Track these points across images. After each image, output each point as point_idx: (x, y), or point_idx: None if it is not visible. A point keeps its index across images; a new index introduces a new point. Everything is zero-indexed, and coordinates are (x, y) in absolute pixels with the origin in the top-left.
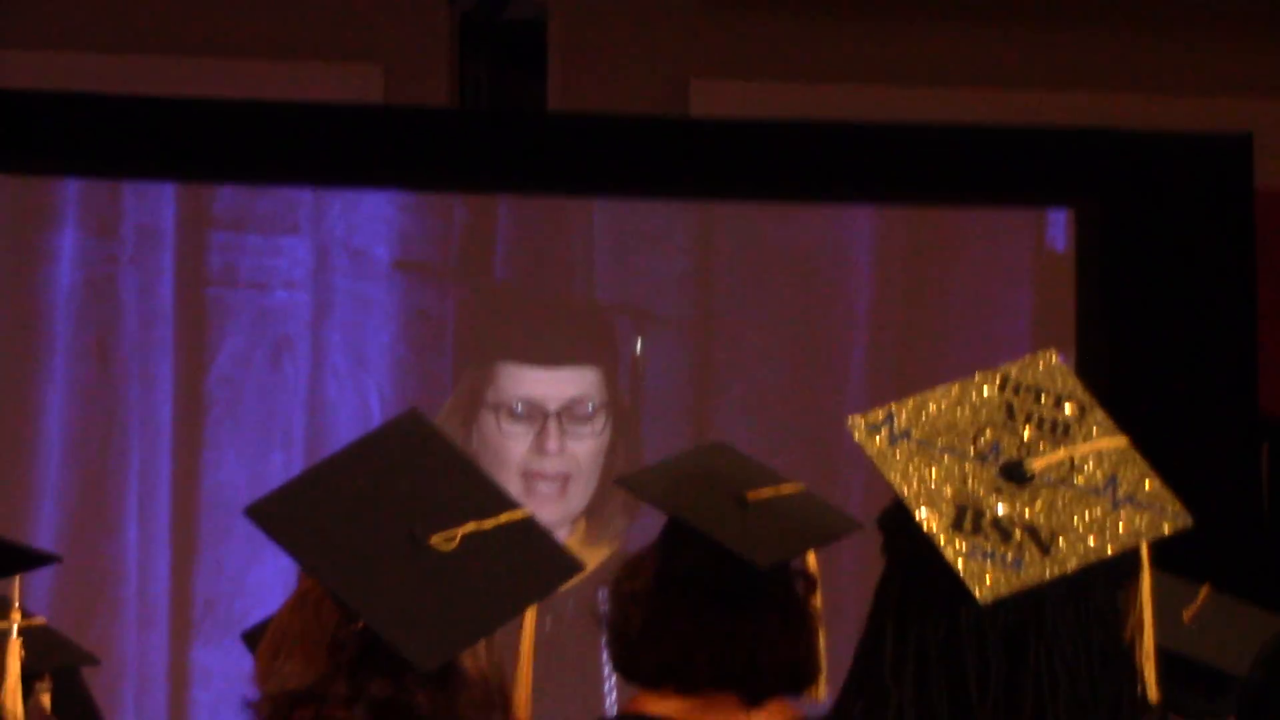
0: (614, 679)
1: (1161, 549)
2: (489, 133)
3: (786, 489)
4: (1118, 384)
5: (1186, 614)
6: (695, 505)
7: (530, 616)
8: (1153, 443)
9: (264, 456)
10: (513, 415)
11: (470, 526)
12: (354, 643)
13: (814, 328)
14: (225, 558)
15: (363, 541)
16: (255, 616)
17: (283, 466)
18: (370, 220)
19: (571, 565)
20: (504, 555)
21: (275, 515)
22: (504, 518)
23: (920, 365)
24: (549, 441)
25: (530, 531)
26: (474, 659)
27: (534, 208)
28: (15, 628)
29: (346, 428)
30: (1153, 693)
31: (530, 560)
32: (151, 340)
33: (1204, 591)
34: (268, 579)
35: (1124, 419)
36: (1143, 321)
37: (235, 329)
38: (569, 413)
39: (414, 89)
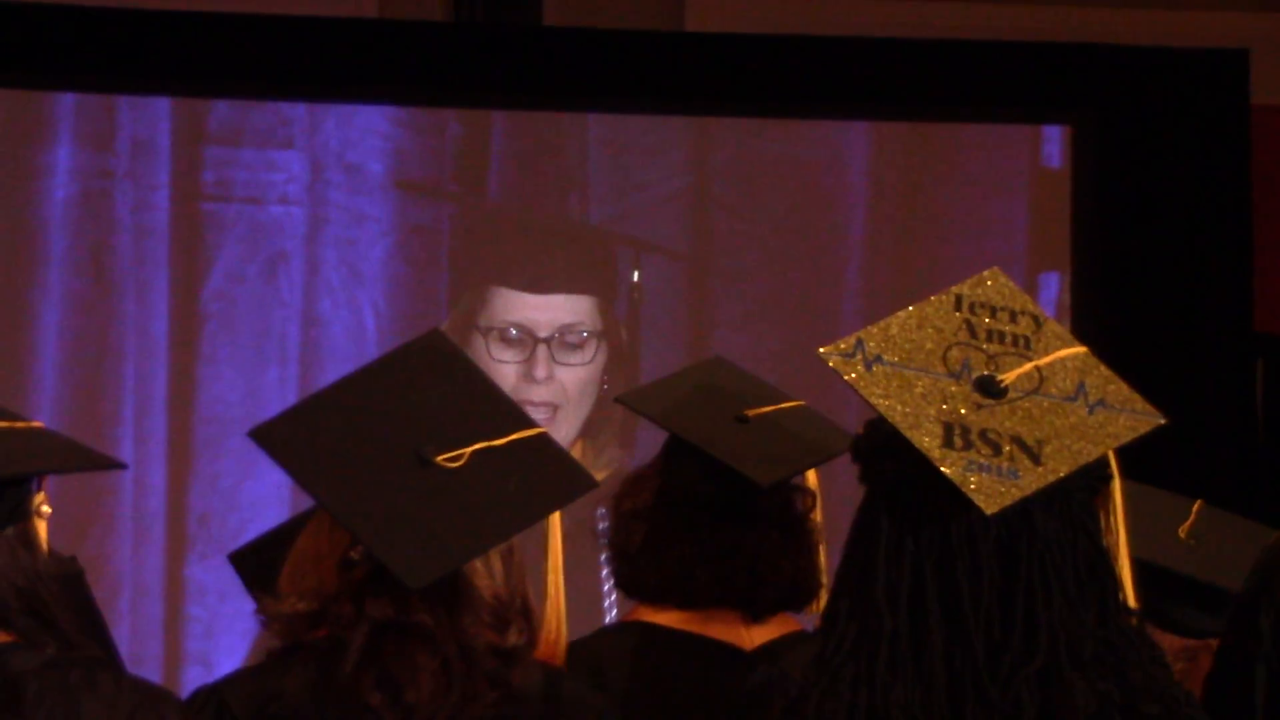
0: (614, 595)
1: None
2: (484, 47)
3: (787, 405)
4: (1112, 301)
5: (1181, 530)
6: (696, 422)
7: (555, 535)
8: (1148, 359)
9: (259, 372)
10: (503, 340)
11: (480, 444)
12: (362, 563)
13: (809, 244)
14: (220, 473)
15: (368, 462)
16: (250, 532)
17: (278, 382)
18: (365, 135)
19: (584, 481)
20: (514, 473)
21: (278, 438)
22: (516, 435)
23: (916, 282)
24: (537, 368)
25: (544, 448)
26: (489, 579)
27: (529, 123)
28: (44, 508)
29: (341, 343)
30: (1131, 598)
31: (541, 476)
32: (146, 255)
33: (1197, 507)
34: (262, 494)
35: (1119, 336)
36: (1138, 238)
37: (230, 244)
38: (559, 340)
39: (409, 3)
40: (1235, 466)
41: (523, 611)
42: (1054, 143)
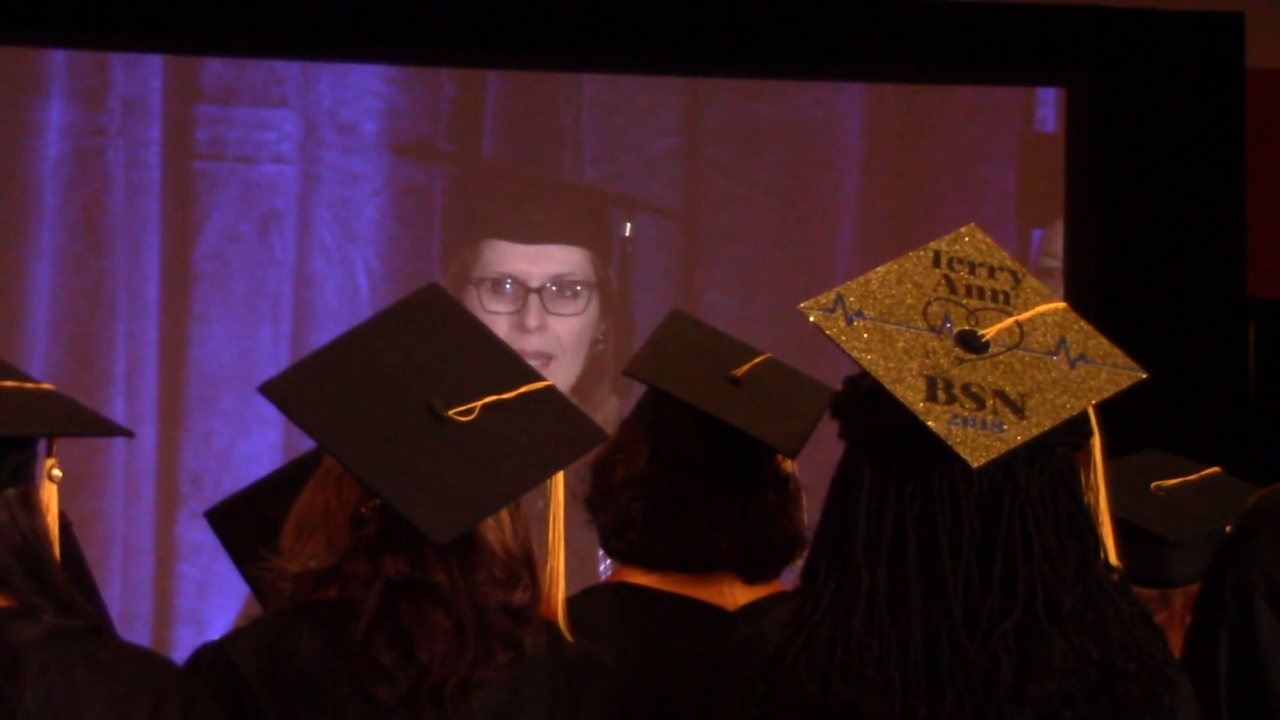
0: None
1: (1151, 426)
2: (478, 6)
3: (759, 360)
4: (1106, 263)
5: (1155, 484)
6: (701, 390)
7: (558, 487)
8: (1142, 323)
9: (251, 330)
10: (495, 291)
11: (490, 398)
12: (375, 519)
13: (803, 204)
14: (212, 432)
15: (380, 416)
16: None
17: (270, 340)
18: (358, 94)
19: (594, 433)
20: (525, 425)
21: (290, 393)
22: (524, 388)
23: (909, 243)
24: (529, 318)
25: (552, 401)
26: (499, 534)
27: (523, 83)
28: (55, 472)
29: (334, 302)
30: (1112, 555)
31: (552, 430)
32: (139, 213)
33: (1197, 469)
34: (253, 453)
35: (1113, 298)
36: (1132, 201)
37: (223, 202)
38: (552, 290)
39: None
40: (1227, 428)
41: (526, 565)
42: (1049, 106)
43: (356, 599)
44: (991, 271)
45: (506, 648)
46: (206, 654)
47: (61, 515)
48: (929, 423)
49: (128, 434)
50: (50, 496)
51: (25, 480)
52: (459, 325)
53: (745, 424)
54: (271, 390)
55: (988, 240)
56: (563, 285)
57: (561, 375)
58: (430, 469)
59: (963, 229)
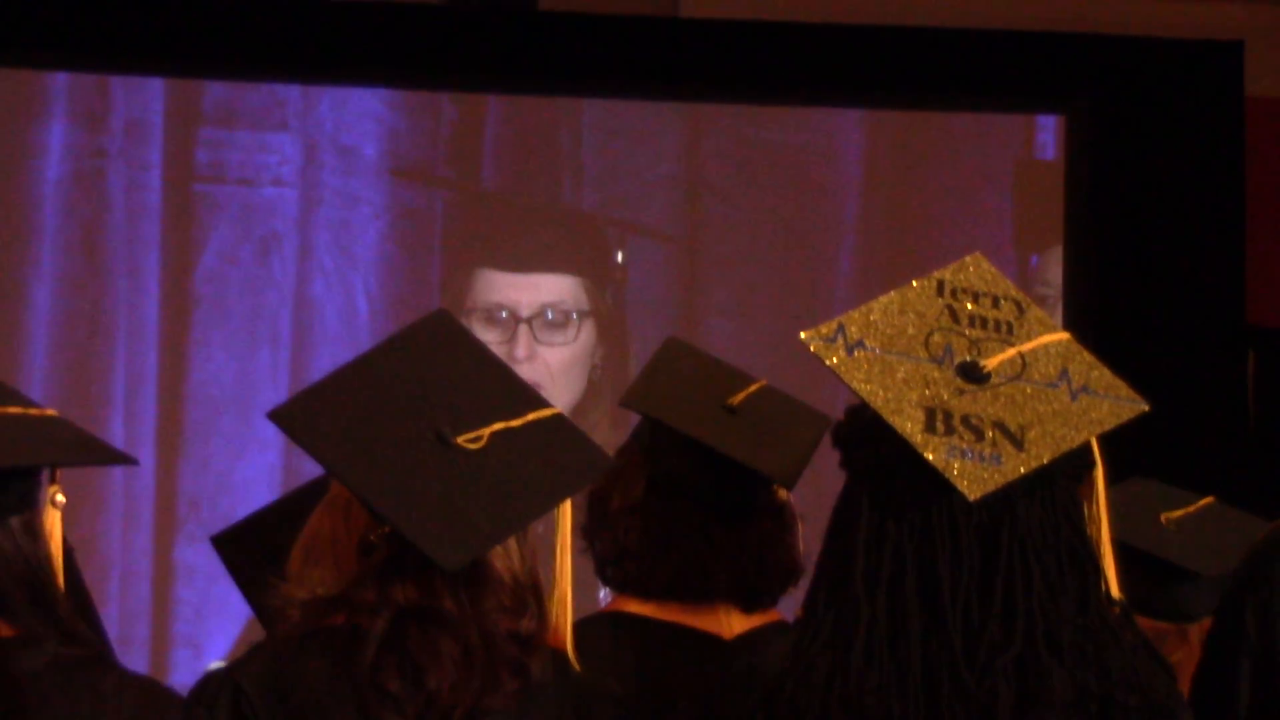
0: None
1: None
2: (479, 31)
3: (755, 387)
4: (1105, 291)
5: (1164, 516)
6: (697, 419)
7: (566, 515)
8: (1141, 351)
9: (251, 353)
10: (487, 320)
11: (498, 425)
12: (383, 546)
13: (802, 232)
14: (210, 456)
15: (389, 443)
16: (240, 514)
17: (269, 364)
18: (359, 118)
19: (602, 461)
20: (534, 453)
21: (299, 419)
22: (532, 415)
23: (908, 271)
24: (518, 348)
25: (560, 429)
26: (507, 560)
27: (523, 108)
28: (58, 498)
29: (333, 325)
30: (1114, 587)
31: (560, 457)
32: (139, 235)
33: (1204, 502)
34: (252, 477)
35: (1112, 326)
36: (1131, 228)
37: (223, 225)
38: (541, 319)
39: None
40: (1227, 458)
41: (534, 593)
42: (1048, 133)
43: (364, 626)
44: (996, 301)
45: (514, 675)
46: (214, 680)
47: (64, 541)
48: (927, 454)
49: (132, 462)
50: (54, 523)
51: (29, 507)
52: (467, 352)
53: (741, 454)
54: (281, 416)
55: (993, 270)
56: (553, 314)
57: (554, 404)
58: (440, 496)
59: (968, 258)
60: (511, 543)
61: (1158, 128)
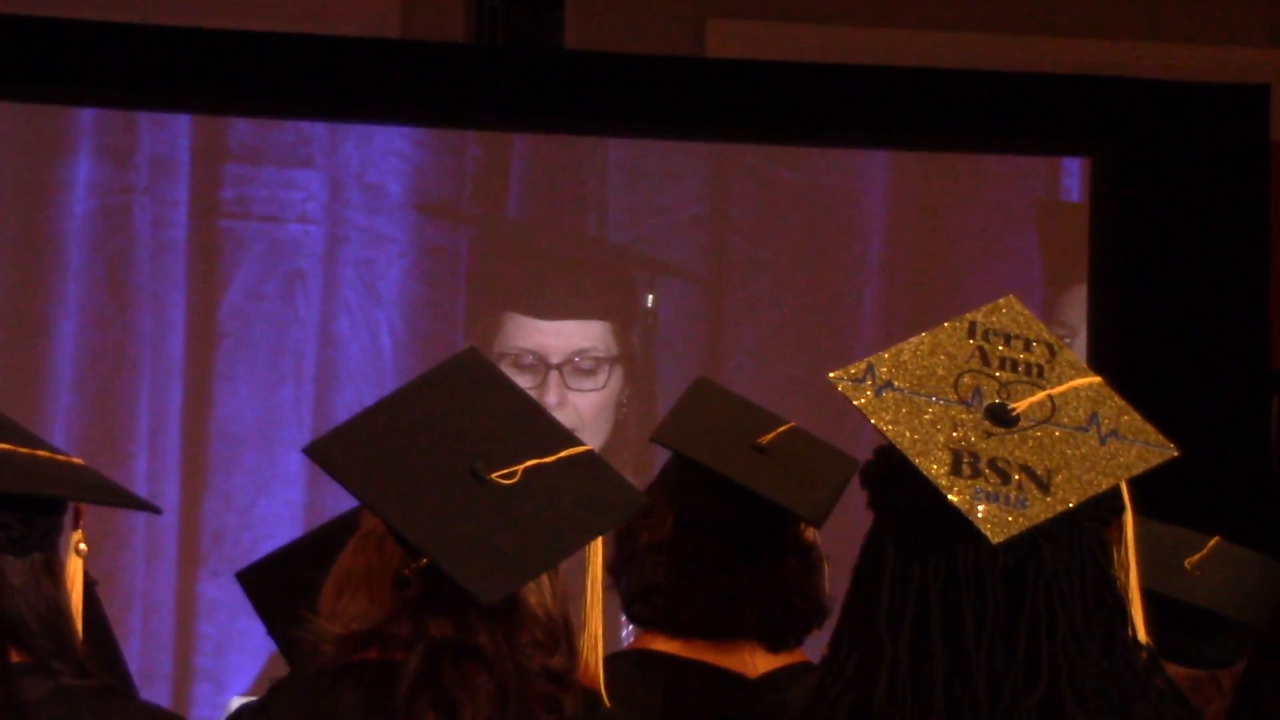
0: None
1: (1172, 499)
2: (505, 69)
3: (784, 429)
4: (1129, 335)
5: (1188, 562)
6: (728, 458)
7: (597, 551)
8: (1165, 394)
9: (274, 390)
10: (516, 366)
11: (531, 461)
12: (418, 580)
13: (827, 272)
14: (234, 491)
15: (424, 478)
16: (263, 550)
17: (293, 400)
18: (384, 155)
19: (636, 498)
20: (567, 489)
21: (335, 454)
22: (565, 452)
23: (933, 312)
24: (548, 394)
25: (593, 465)
26: (540, 596)
27: (548, 146)
28: (80, 546)
29: (357, 362)
30: (1141, 632)
31: (593, 493)
32: (164, 271)
33: (1213, 542)
34: (275, 512)
35: (1135, 370)
36: (1156, 272)
37: (248, 261)
38: (571, 365)
39: (431, 23)
40: (1250, 502)
41: (566, 629)
42: (1073, 175)
43: (398, 660)
44: (1027, 344)
45: (548, 712)
46: (245, 714)
47: (85, 574)
48: (951, 497)
49: (155, 510)
50: (75, 570)
51: (50, 548)
52: (498, 389)
53: (771, 492)
54: (316, 451)
55: (1026, 312)
56: (583, 360)
57: None
58: (475, 531)
59: (1001, 300)
60: (544, 579)
61: (1183, 171)
